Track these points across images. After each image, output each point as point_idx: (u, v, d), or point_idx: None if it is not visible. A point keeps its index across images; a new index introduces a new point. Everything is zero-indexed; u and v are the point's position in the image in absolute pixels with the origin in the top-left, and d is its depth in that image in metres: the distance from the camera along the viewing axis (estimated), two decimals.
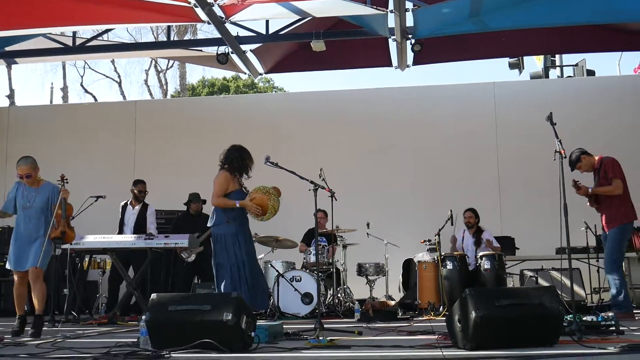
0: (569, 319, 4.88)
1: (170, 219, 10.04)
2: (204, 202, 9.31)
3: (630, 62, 49.27)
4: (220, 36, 9.17)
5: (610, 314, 5.63)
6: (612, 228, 7.06)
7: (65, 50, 9.96)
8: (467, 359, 3.65)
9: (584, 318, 5.19)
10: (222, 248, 6.22)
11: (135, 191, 9.05)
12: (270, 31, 9.51)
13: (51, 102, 28.44)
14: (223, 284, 6.16)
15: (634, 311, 7.85)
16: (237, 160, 6.37)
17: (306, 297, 8.17)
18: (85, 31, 10.00)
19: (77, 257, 8.64)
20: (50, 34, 9.61)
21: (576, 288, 8.16)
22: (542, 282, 8.49)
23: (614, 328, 5.09)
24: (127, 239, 8.04)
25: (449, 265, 8.44)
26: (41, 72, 49.97)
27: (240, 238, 6.25)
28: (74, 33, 9.81)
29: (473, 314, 4.18)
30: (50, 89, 31.55)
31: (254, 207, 6.24)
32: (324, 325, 5.52)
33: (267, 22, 9.43)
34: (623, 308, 6.80)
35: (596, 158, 7.26)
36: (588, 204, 7.28)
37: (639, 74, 16.02)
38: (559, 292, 4.92)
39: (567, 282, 7.80)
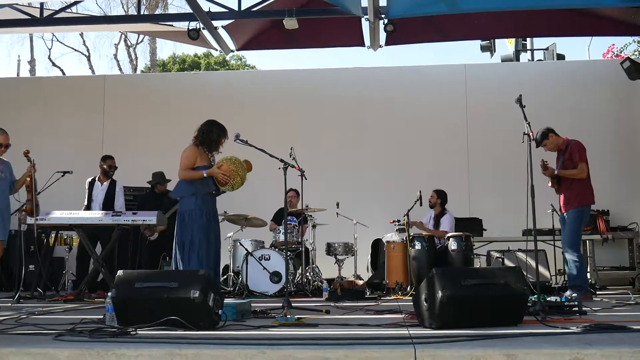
0: (533, 299, 4.94)
1: (138, 196, 9.96)
2: (169, 180, 9.24)
3: (599, 47, 49.88)
4: (191, 11, 9.05)
5: (574, 295, 5.73)
6: (569, 210, 7.19)
7: (32, 21, 9.76)
8: (433, 337, 3.68)
9: (548, 298, 5.27)
10: (182, 224, 6.12)
11: (105, 166, 8.92)
12: (243, 7, 9.42)
13: (18, 74, 27.91)
14: (179, 261, 6.08)
15: (597, 292, 8.04)
16: (204, 134, 6.26)
17: (275, 276, 8.18)
18: (54, 3, 9.80)
19: (43, 233, 8.53)
20: (17, 4, 9.39)
21: (541, 269, 8.24)
22: (508, 263, 8.59)
23: (577, 308, 5.17)
24: (95, 215, 7.93)
25: (417, 246, 8.50)
26: (7, 43, 49.04)
27: (198, 214, 6.10)
28: (42, 4, 9.61)
29: (439, 293, 4.21)
30: (17, 61, 30.99)
31: (220, 174, 6.10)
32: (292, 304, 5.53)
33: None
34: (582, 289, 6.91)
35: (562, 139, 7.36)
36: (550, 184, 7.38)
37: (607, 59, 16.18)
38: (524, 273, 4.97)
39: (533, 263, 7.92)
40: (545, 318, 4.63)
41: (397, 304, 6.69)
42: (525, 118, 5.55)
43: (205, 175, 6.13)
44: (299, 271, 8.83)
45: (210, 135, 6.26)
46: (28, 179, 6.95)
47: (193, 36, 9.52)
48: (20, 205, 7.57)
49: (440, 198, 9.23)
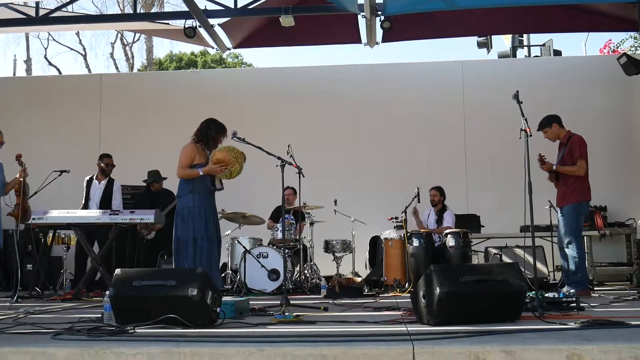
0: (531, 295, 4.95)
1: (135, 194, 9.95)
2: (165, 178, 9.23)
3: (596, 43, 49.99)
4: (187, 9, 9.04)
5: (572, 290, 5.73)
6: (565, 205, 7.16)
7: (28, 21, 9.74)
8: (431, 334, 3.68)
9: (546, 294, 5.27)
10: (182, 222, 6.14)
11: (102, 165, 8.89)
12: (239, 5, 9.41)
13: (14, 74, 27.89)
14: (179, 258, 6.10)
15: (595, 288, 8.04)
16: (202, 131, 6.32)
17: (273, 274, 8.17)
18: (49, 2, 9.78)
19: (40, 232, 8.51)
20: (12, 3, 9.36)
21: (539, 265, 8.28)
22: (506, 259, 8.60)
23: (574, 304, 5.17)
24: (92, 214, 7.93)
25: (415, 243, 8.50)
26: (3, 43, 48.81)
27: (197, 212, 6.14)
28: (37, 3, 9.60)
29: (437, 290, 4.21)
30: (13, 61, 30.97)
31: (217, 169, 6.11)
32: (290, 302, 5.54)
33: None
34: (580, 285, 6.90)
35: (565, 131, 7.35)
36: (548, 178, 7.38)
37: (604, 54, 16.19)
38: (522, 269, 4.98)
39: (531, 259, 7.96)
40: (543, 314, 4.63)
41: (395, 300, 6.69)
42: (522, 114, 5.54)
43: (201, 173, 6.14)
44: (297, 269, 8.83)
45: (208, 132, 6.31)
46: (17, 185, 6.95)
47: (189, 34, 9.50)
48: (9, 209, 7.56)
49: (442, 195, 9.27)
